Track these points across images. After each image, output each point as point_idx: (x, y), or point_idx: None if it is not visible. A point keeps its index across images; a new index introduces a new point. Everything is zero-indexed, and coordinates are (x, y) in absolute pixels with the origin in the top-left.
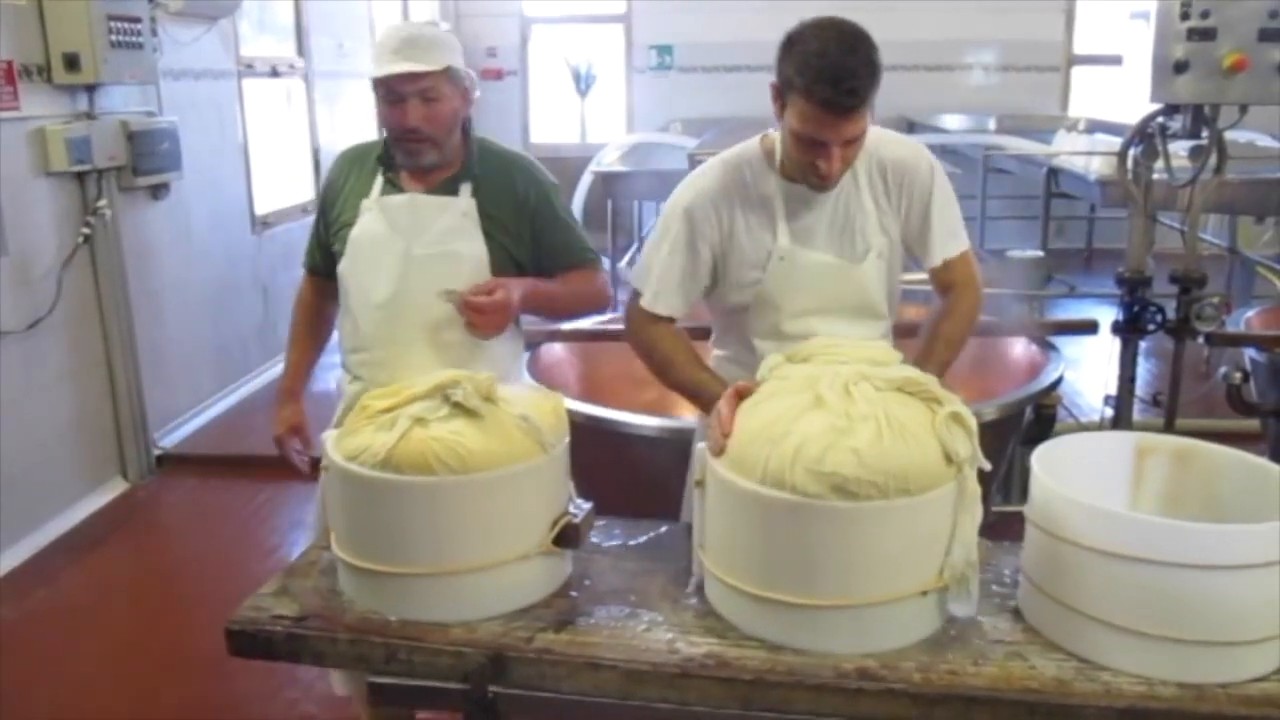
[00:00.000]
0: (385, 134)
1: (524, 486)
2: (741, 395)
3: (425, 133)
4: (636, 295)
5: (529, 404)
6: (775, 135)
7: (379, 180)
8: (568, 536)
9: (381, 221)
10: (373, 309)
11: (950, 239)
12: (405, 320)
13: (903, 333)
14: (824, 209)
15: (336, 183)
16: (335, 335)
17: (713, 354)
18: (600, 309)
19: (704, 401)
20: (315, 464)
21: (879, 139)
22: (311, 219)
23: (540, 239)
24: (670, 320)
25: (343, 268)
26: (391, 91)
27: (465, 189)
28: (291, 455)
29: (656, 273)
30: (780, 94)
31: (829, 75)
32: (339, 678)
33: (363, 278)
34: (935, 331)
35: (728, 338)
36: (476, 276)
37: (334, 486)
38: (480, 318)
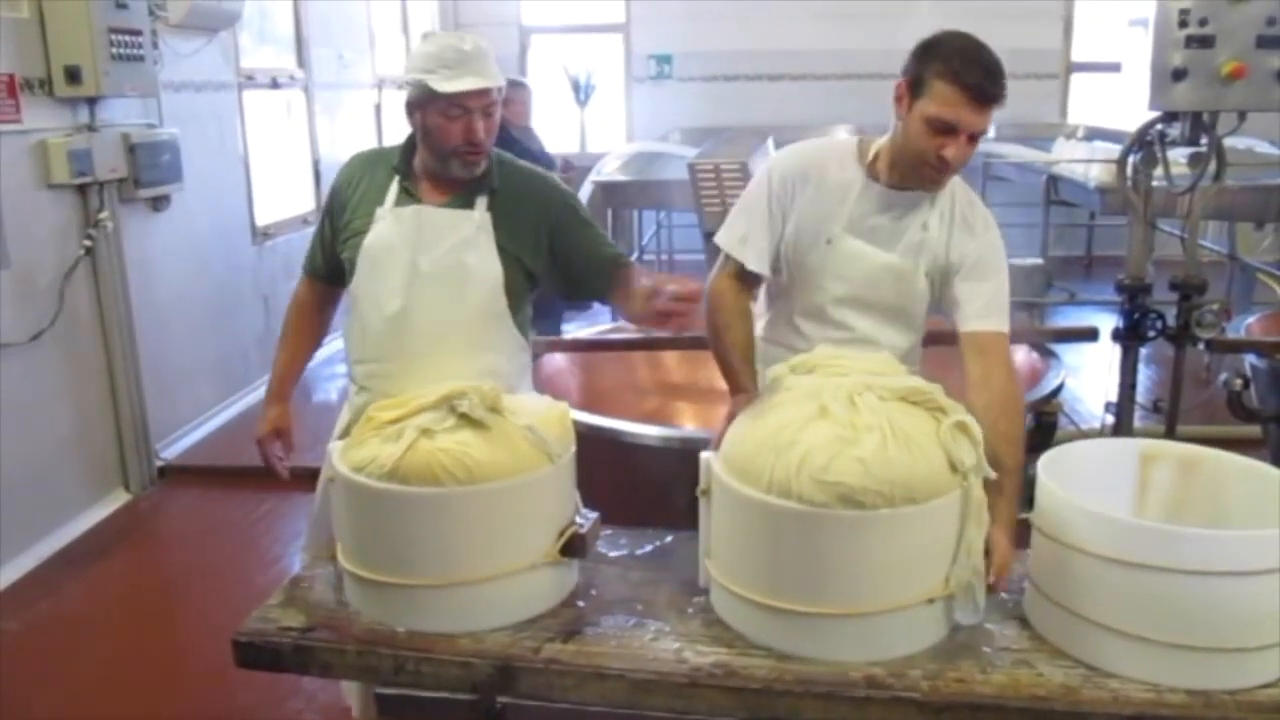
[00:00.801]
0: (419, 142)
1: (530, 497)
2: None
3: (486, 146)
4: (725, 261)
5: (535, 414)
6: (873, 138)
7: (394, 188)
8: (574, 546)
9: (395, 232)
10: (382, 320)
11: (998, 311)
12: (414, 333)
13: (928, 340)
14: (892, 215)
15: (346, 189)
16: (342, 344)
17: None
18: None
19: (730, 385)
20: (307, 471)
21: (964, 187)
22: (313, 229)
23: (569, 248)
24: (752, 282)
25: (356, 276)
26: (457, 106)
27: (481, 201)
28: (272, 459)
29: (742, 225)
30: (911, 88)
31: (982, 65)
32: (351, 694)
33: (374, 288)
34: (994, 447)
35: (773, 317)
36: (487, 290)
37: (340, 498)
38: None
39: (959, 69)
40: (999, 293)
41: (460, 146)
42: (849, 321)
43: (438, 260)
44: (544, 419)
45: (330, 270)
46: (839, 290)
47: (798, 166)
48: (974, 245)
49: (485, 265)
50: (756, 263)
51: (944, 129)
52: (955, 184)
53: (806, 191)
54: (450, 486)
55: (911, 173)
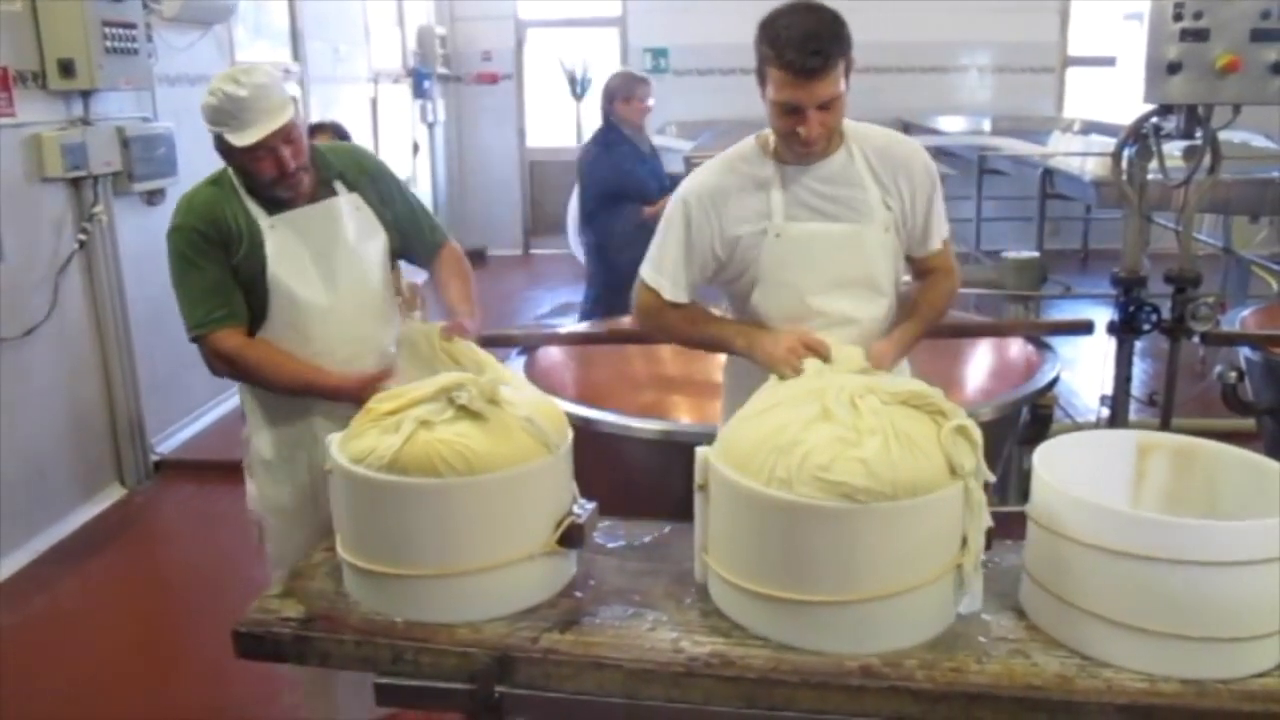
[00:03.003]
0: (246, 175)
1: (528, 487)
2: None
3: (301, 166)
4: (645, 286)
5: (533, 406)
6: (768, 132)
7: (252, 206)
8: (572, 536)
9: (293, 233)
10: (321, 317)
11: (940, 226)
12: (345, 313)
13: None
14: (821, 184)
15: (208, 221)
16: None
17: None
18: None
19: (730, 345)
20: None
21: (870, 130)
22: None
23: (398, 204)
24: (677, 307)
25: (277, 280)
26: (259, 148)
27: (340, 186)
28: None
29: (661, 262)
30: (759, 74)
31: (796, 42)
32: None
33: (303, 284)
34: (918, 299)
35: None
36: (382, 258)
37: (339, 489)
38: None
39: (781, 50)
40: (935, 210)
41: (276, 178)
42: (823, 307)
43: (345, 243)
44: (542, 410)
45: (243, 306)
46: (803, 278)
47: (711, 186)
48: (918, 178)
49: (376, 233)
50: (673, 292)
51: (790, 110)
52: (859, 135)
53: (728, 206)
54: (449, 478)
55: (789, 152)
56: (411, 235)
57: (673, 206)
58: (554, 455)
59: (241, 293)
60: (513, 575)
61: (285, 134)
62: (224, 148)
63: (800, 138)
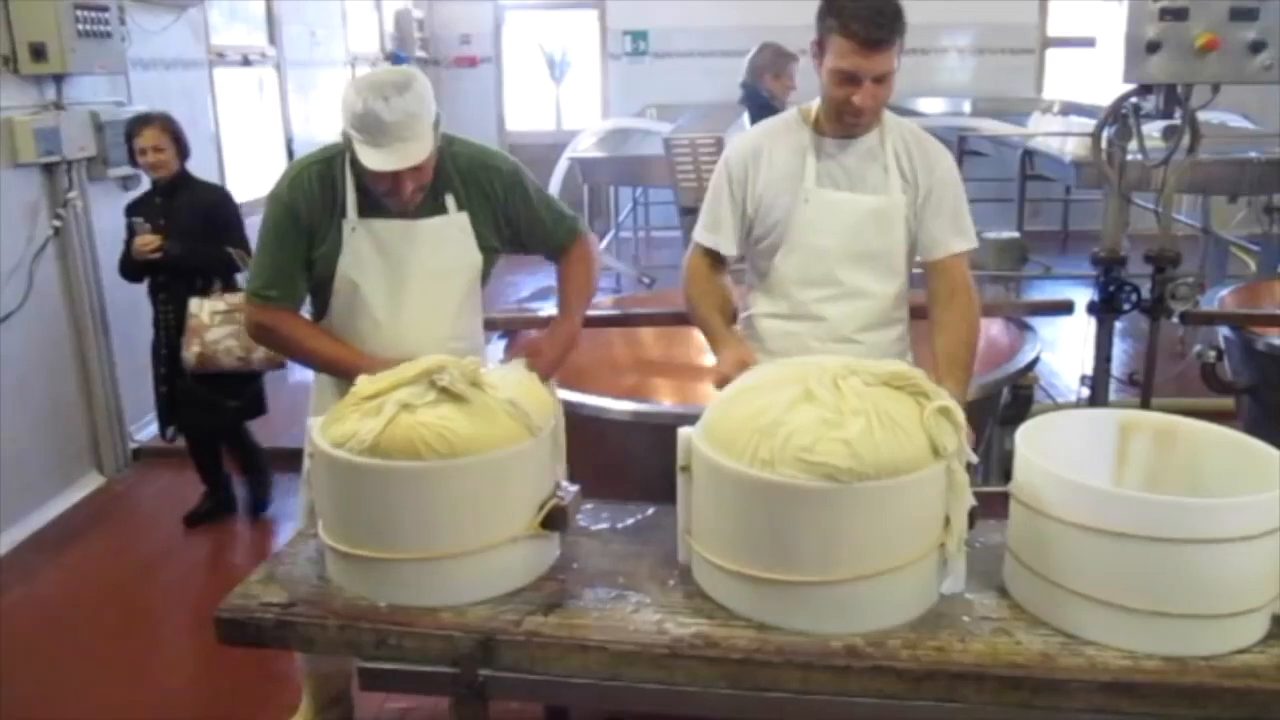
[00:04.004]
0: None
1: (511, 470)
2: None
3: (419, 188)
4: (699, 249)
5: (516, 388)
6: (812, 104)
7: (352, 198)
8: (555, 519)
9: (372, 245)
10: (374, 327)
11: (959, 235)
12: (404, 330)
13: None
14: (851, 162)
15: (308, 208)
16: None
17: (749, 312)
18: (599, 273)
19: (709, 335)
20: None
21: (905, 123)
22: None
23: (521, 220)
24: (722, 262)
25: (340, 290)
26: (387, 174)
27: (450, 202)
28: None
29: (716, 223)
30: (819, 45)
31: (864, 13)
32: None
33: (364, 302)
34: (952, 353)
35: (763, 288)
36: (468, 281)
37: (321, 474)
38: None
39: (848, 21)
40: (963, 213)
41: (389, 191)
42: (838, 275)
43: (425, 267)
44: (526, 392)
45: (306, 290)
46: (825, 242)
47: (748, 147)
48: (937, 175)
49: (467, 259)
50: (728, 247)
51: (848, 79)
52: (896, 124)
53: (761, 167)
54: (431, 460)
55: (837, 121)
56: (537, 239)
57: (717, 171)
58: (536, 438)
59: (308, 281)
60: (496, 558)
61: (417, 167)
62: (348, 143)
63: (854, 106)
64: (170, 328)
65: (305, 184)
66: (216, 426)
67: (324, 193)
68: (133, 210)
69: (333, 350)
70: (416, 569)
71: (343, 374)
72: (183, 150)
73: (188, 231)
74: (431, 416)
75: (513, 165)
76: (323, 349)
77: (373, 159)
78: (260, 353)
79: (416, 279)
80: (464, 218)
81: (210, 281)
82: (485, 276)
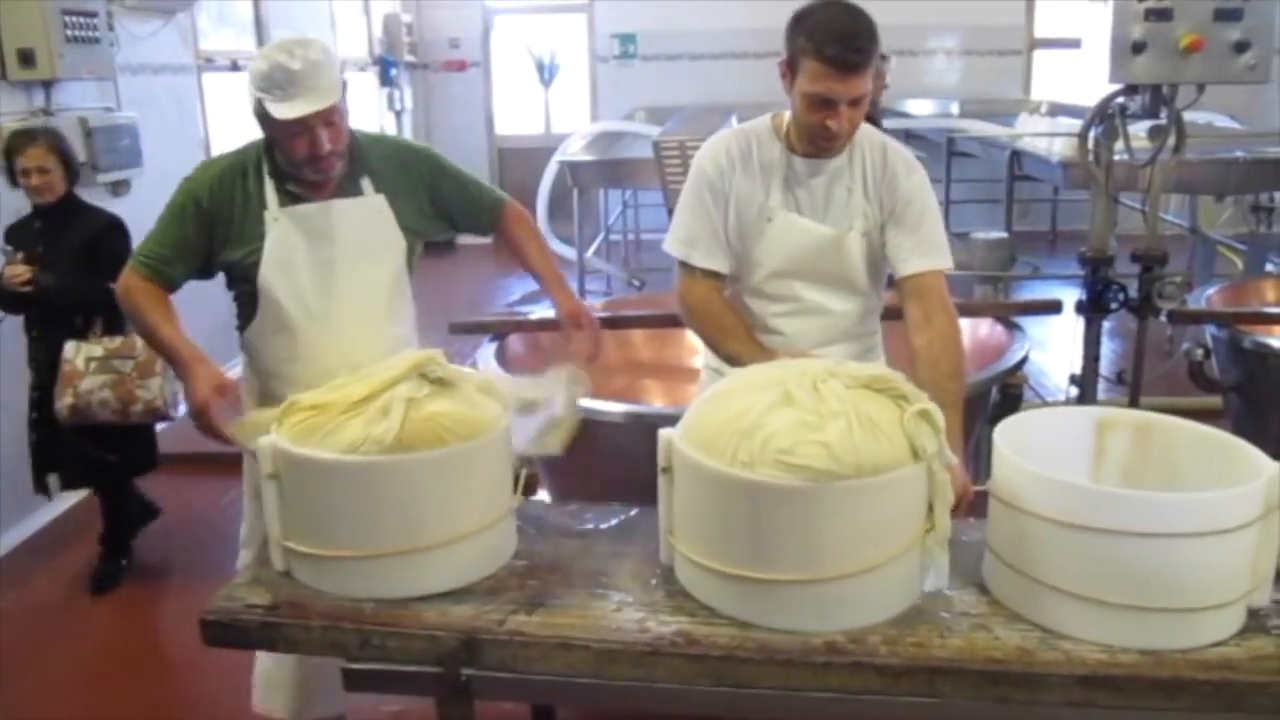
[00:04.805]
0: (278, 152)
1: (504, 445)
2: None
3: (335, 151)
4: (682, 266)
5: (474, 375)
6: (785, 114)
7: (270, 190)
8: (531, 485)
9: (296, 232)
10: (307, 318)
11: (930, 252)
12: (336, 322)
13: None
14: (817, 184)
15: (222, 200)
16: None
17: None
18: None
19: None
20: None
21: (879, 136)
22: None
23: (451, 196)
24: (717, 279)
25: (268, 282)
26: (296, 124)
27: (367, 184)
28: (220, 420)
29: (686, 227)
30: (790, 65)
31: (837, 36)
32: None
33: (295, 291)
34: (939, 385)
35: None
36: (394, 267)
37: (313, 487)
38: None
39: (820, 44)
40: (931, 232)
41: (308, 158)
42: (797, 292)
43: (347, 251)
44: (480, 378)
45: (183, 279)
46: (781, 265)
47: (725, 152)
48: (901, 192)
49: (390, 241)
50: (708, 260)
51: (822, 103)
52: (867, 139)
53: (737, 175)
54: (455, 445)
55: (809, 143)
56: (468, 215)
57: (692, 177)
58: (509, 415)
59: (195, 275)
60: (494, 535)
61: (327, 116)
62: (261, 114)
63: (829, 131)
64: (44, 369)
65: (212, 172)
66: (97, 482)
67: (237, 188)
68: (9, 236)
69: (175, 339)
70: (435, 555)
71: (173, 363)
72: (71, 171)
73: (69, 262)
74: (440, 405)
75: (431, 149)
76: (166, 333)
77: (285, 110)
78: (139, 405)
79: (342, 263)
80: (381, 200)
81: (90, 321)
82: (410, 264)
